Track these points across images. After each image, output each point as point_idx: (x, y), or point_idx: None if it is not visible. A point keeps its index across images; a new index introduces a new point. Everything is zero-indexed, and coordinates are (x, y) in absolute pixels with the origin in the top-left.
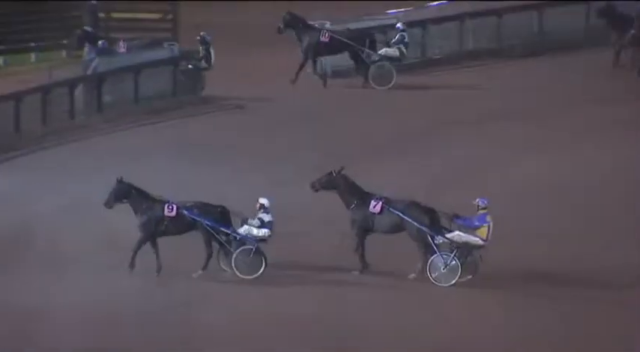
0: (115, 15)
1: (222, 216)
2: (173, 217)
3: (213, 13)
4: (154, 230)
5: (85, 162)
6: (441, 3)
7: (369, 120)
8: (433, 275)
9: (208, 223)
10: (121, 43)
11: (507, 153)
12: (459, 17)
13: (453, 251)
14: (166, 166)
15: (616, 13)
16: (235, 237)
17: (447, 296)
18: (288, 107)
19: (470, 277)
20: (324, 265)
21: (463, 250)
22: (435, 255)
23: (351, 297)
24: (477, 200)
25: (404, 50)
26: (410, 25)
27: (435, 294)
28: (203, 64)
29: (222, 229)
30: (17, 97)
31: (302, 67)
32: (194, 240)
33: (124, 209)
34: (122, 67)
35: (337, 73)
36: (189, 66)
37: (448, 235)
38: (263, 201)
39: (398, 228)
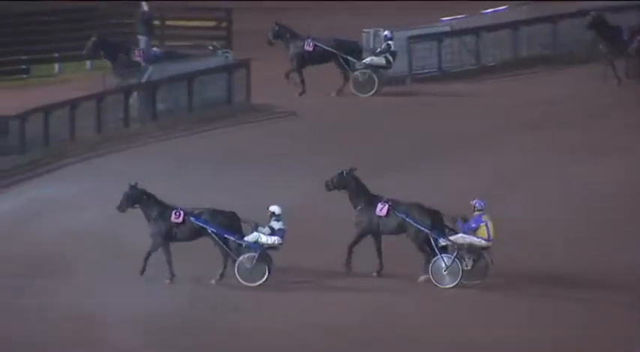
0: (170, 23)
1: (230, 223)
2: (180, 223)
3: (267, 19)
4: (165, 236)
5: (138, 169)
6: (496, 10)
7: (421, 127)
8: (435, 277)
9: (213, 230)
10: (136, 52)
11: (537, 160)
12: (513, 24)
13: (454, 253)
14: (217, 173)
15: (607, 24)
16: (241, 245)
17: (458, 299)
18: (338, 113)
19: (479, 282)
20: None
21: (473, 253)
22: (437, 257)
23: (389, 304)
24: (474, 201)
25: (390, 58)
26: (464, 32)
27: (447, 297)
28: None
29: (228, 236)
30: (72, 104)
31: (287, 75)
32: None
33: None
34: (176, 75)
35: (389, 80)
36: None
37: (452, 237)
38: (273, 208)
39: (403, 229)
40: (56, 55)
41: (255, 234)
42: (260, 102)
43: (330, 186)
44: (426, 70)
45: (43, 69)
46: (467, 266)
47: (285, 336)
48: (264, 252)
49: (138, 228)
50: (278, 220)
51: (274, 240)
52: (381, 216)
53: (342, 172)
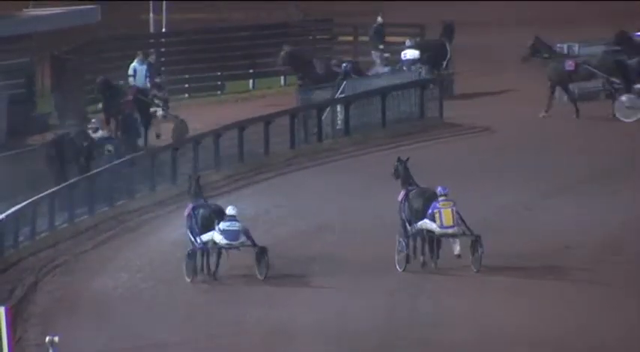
0: (363, 38)
1: (210, 220)
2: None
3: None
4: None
5: (331, 184)
6: None
7: (615, 145)
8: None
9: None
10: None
11: None
12: None
13: (406, 238)
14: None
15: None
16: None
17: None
18: (534, 129)
19: (475, 270)
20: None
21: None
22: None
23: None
24: (437, 188)
25: None
26: None
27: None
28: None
29: (188, 232)
30: (266, 120)
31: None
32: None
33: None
34: (369, 91)
35: (583, 97)
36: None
37: (418, 223)
38: (227, 209)
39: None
40: (251, 71)
41: (210, 233)
42: (453, 117)
43: (393, 174)
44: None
45: (237, 85)
46: (455, 251)
47: (478, 348)
48: (194, 252)
49: (327, 243)
50: (229, 221)
51: (220, 239)
52: (401, 202)
53: (396, 161)
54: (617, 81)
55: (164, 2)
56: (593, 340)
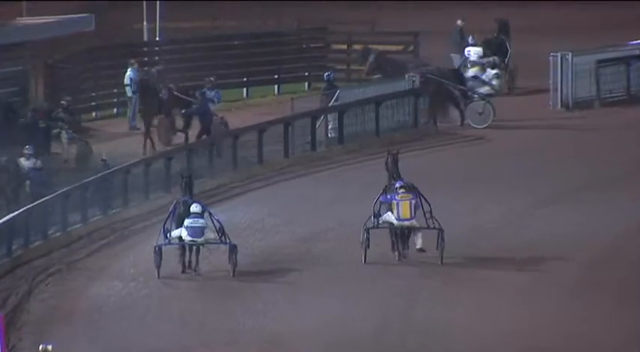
0: (357, 47)
1: (183, 213)
2: None
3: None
4: None
5: (325, 193)
6: None
7: (603, 152)
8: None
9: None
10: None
11: None
12: None
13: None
14: None
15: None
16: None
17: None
18: (527, 138)
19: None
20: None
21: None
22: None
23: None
24: (396, 182)
25: None
26: None
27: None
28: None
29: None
30: (260, 129)
31: None
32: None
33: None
34: (363, 99)
35: (577, 104)
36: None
37: (383, 216)
38: (192, 206)
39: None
40: (244, 79)
41: (179, 229)
42: (447, 126)
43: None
44: (614, 94)
45: (231, 94)
46: (418, 244)
47: None
48: (159, 248)
49: (322, 251)
50: (192, 218)
51: (184, 235)
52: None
53: (387, 153)
54: (465, 88)
55: (157, 10)
56: (592, 347)
